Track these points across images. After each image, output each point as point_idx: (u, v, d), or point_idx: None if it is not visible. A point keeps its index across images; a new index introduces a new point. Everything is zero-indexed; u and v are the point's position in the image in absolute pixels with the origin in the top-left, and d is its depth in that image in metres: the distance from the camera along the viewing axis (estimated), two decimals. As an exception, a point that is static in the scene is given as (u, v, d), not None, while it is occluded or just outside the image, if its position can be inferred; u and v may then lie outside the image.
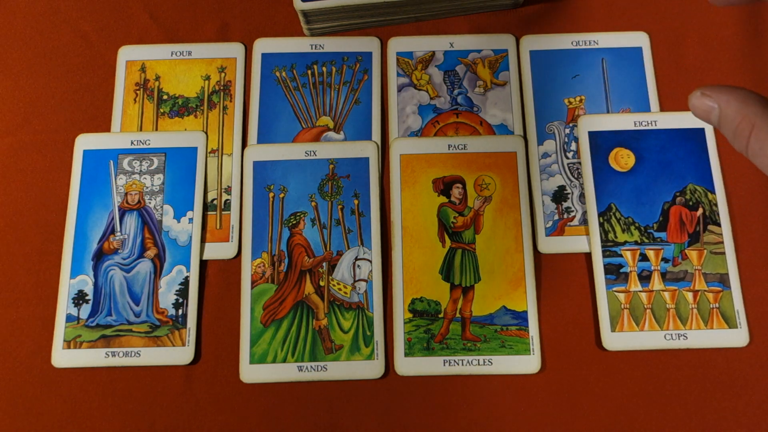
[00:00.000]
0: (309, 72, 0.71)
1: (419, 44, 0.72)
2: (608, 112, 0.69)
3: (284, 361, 0.62)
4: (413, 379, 0.62)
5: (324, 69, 0.71)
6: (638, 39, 0.72)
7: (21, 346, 0.64)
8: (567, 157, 0.68)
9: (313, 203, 0.67)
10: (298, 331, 0.63)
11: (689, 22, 0.73)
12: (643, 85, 0.70)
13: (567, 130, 0.69)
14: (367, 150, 0.68)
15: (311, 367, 0.62)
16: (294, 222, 0.66)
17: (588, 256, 0.65)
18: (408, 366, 0.62)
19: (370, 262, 0.65)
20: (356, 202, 0.66)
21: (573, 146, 0.68)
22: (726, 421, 0.61)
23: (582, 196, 0.67)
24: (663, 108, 0.69)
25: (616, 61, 0.71)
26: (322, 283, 0.64)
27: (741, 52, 0.72)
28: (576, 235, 0.66)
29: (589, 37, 0.72)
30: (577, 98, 0.70)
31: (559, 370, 0.62)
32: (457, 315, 0.63)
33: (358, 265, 0.65)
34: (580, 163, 0.68)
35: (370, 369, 0.62)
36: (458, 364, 0.62)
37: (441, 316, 0.63)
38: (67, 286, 0.64)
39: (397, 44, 0.72)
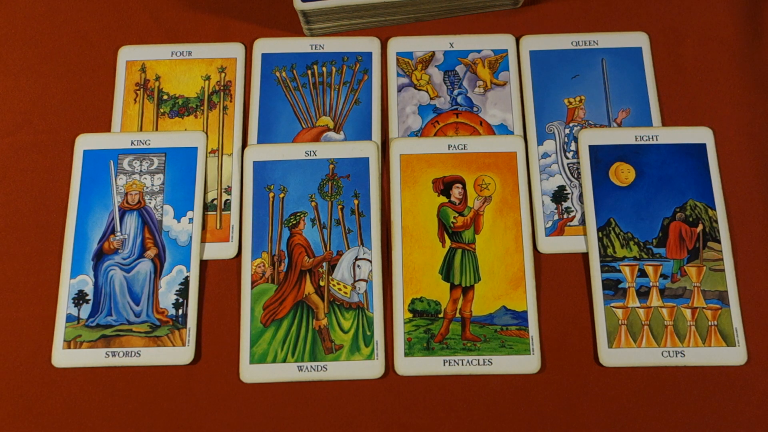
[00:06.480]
0: (309, 72, 0.71)
1: (419, 44, 0.72)
2: (608, 112, 0.69)
3: (284, 361, 0.62)
4: (413, 379, 0.62)
5: (324, 69, 0.71)
6: (638, 39, 0.72)
7: (21, 346, 0.64)
8: (567, 157, 0.68)
9: (313, 203, 0.67)
10: (298, 331, 0.63)
11: (689, 22, 0.73)
12: (642, 85, 0.70)
13: (567, 130, 0.69)
14: (367, 150, 0.68)
15: (311, 367, 0.62)
16: (294, 222, 0.66)
17: (587, 256, 0.65)
18: (408, 366, 0.62)
19: (370, 262, 0.65)
20: (356, 202, 0.66)
21: (573, 146, 0.68)
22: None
23: (582, 195, 0.67)
24: (663, 108, 0.70)
25: (616, 61, 0.71)
26: (322, 283, 0.64)
27: (741, 52, 0.72)
28: (576, 235, 0.66)
29: (589, 37, 0.72)
30: (577, 98, 0.70)
31: (559, 370, 0.62)
32: (457, 315, 0.63)
33: (358, 265, 0.65)
34: (579, 162, 0.68)
35: (370, 369, 0.62)
36: (458, 364, 0.62)
37: (441, 316, 0.63)
38: (67, 286, 0.64)
39: (397, 44, 0.72)
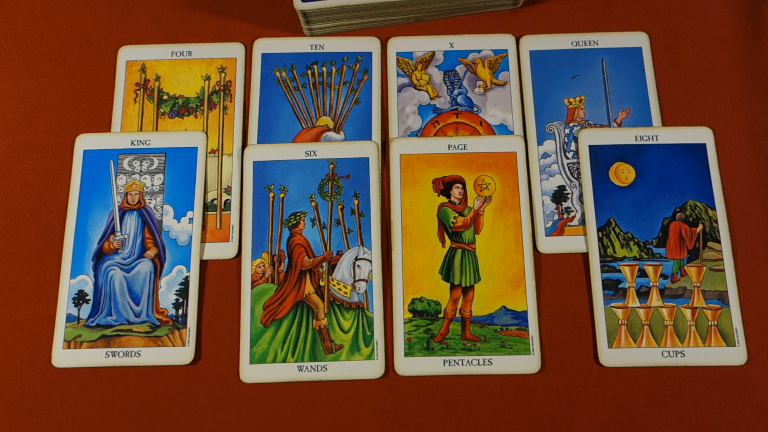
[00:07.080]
0: (309, 72, 0.71)
1: (419, 44, 0.72)
2: (608, 112, 0.69)
3: (284, 361, 0.62)
4: (413, 379, 0.62)
5: (324, 69, 0.71)
6: (638, 39, 0.72)
7: (21, 346, 0.64)
8: (567, 157, 0.68)
9: (313, 203, 0.67)
10: (298, 331, 0.63)
11: (689, 22, 0.73)
12: (642, 85, 0.70)
13: (567, 130, 0.69)
14: (367, 150, 0.68)
15: (311, 367, 0.62)
16: (294, 222, 0.66)
17: (587, 256, 0.65)
18: (408, 366, 0.62)
19: (370, 262, 0.65)
20: (356, 202, 0.66)
21: (573, 146, 0.68)
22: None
23: (582, 195, 0.67)
24: (663, 108, 0.70)
25: (616, 61, 0.71)
26: (322, 283, 0.64)
27: (741, 52, 0.72)
28: (576, 235, 0.66)
29: (589, 37, 0.72)
30: (577, 98, 0.70)
31: (559, 370, 0.62)
32: (457, 315, 0.63)
33: (358, 265, 0.65)
34: (579, 162, 0.68)
35: (370, 369, 0.62)
36: (458, 364, 0.62)
37: (441, 316, 0.63)
38: (67, 286, 0.64)
39: (397, 44, 0.72)
